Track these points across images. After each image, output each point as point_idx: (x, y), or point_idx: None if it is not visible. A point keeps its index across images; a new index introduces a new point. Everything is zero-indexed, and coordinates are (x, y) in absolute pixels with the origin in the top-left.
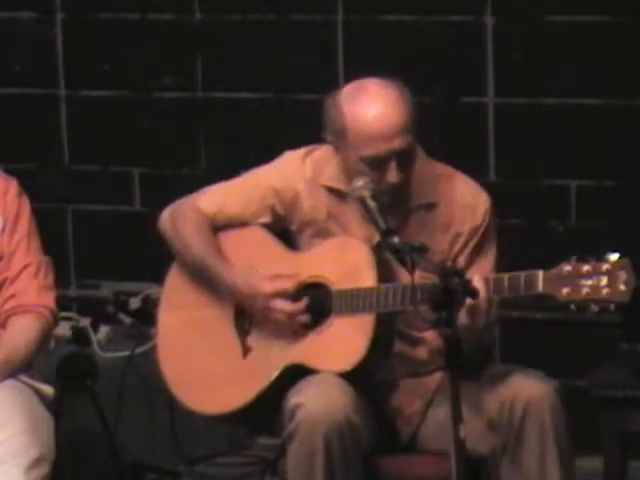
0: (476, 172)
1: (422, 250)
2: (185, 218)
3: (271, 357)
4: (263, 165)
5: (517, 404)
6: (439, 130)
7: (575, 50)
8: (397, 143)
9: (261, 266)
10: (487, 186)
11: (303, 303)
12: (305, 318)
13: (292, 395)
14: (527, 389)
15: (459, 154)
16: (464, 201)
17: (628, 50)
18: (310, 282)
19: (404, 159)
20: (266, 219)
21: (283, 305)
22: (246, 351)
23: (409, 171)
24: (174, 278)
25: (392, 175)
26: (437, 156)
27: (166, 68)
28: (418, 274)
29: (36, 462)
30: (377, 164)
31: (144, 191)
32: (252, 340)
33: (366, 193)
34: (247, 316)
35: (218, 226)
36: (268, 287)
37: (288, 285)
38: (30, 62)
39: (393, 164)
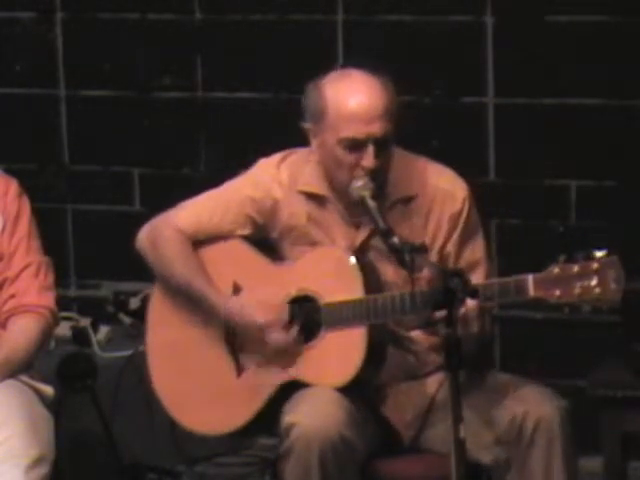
0: (476, 172)
1: (422, 250)
2: (165, 239)
3: (266, 375)
4: (238, 176)
5: (527, 422)
6: (439, 130)
7: (575, 50)
8: (376, 127)
9: (245, 281)
10: (487, 186)
11: (296, 330)
12: (299, 339)
13: (286, 412)
14: (538, 408)
15: (459, 154)
16: (441, 188)
17: (628, 50)
18: (297, 295)
19: (381, 146)
20: (246, 231)
21: (277, 337)
22: (240, 370)
23: (385, 160)
24: (158, 297)
25: (368, 160)
26: (437, 156)
27: (166, 68)
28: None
29: (36, 462)
30: (355, 147)
31: (144, 191)
32: (245, 359)
33: (366, 193)
34: (238, 335)
35: (199, 242)
36: (261, 319)
37: (281, 316)
38: (30, 62)
39: (370, 149)
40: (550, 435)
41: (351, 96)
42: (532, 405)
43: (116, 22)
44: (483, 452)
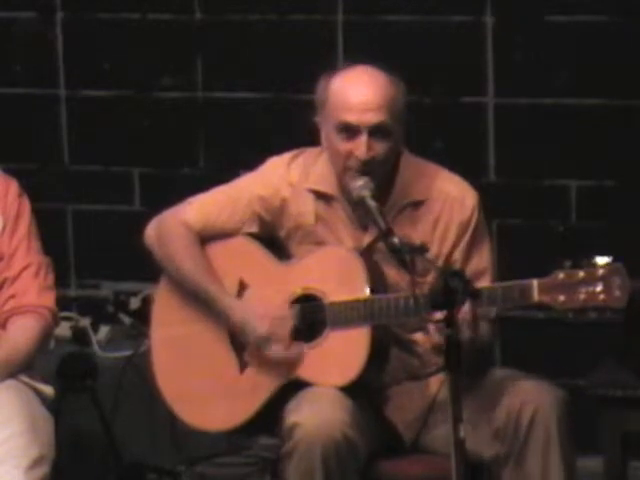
0: (476, 172)
1: (422, 250)
2: (172, 235)
3: (269, 372)
4: (248, 173)
5: (524, 413)
6: (439, 130)
7: (575, 50)
8: (370, 116)
9: (251, 278)
10: (487, 186)
11: (297, 348)
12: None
13: (289, 412)
14: (535, 399)
15: (459, 154)
16: (451, 196)
17: (628, 50)
18: (302, 294)
19: (376, 136)
20: (254, 228)
21: (276, 353)
22: (243, 366)
23: (381, 154)
24: (164, 293)
25: (360, 149)
26: (437, 156)
27: (166, 68)
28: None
29: (36, 462)
30: (348, 133)
31: (144, 191)
32: (249, 355)
33: (366, 193)
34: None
35: (206, 238)
36: (262, 330)
37: (282, 332)
38: (30, 62)
39: (363, 138)
40: (547, 426)
41: (351, 85)
42: (529, 396)
43: (116, 22)
44: (484, 447)
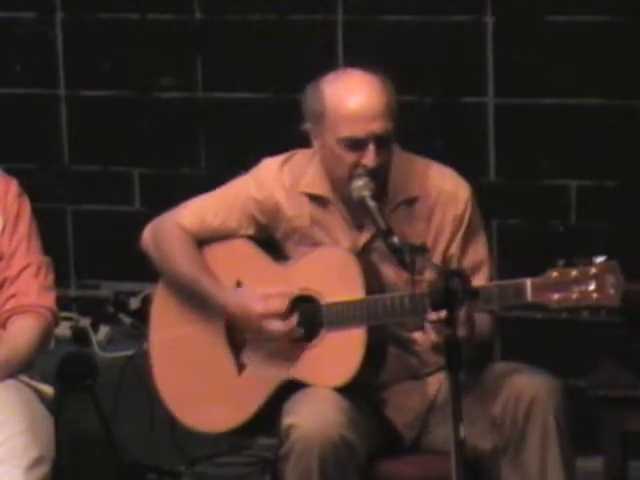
0: (476, 172)
1: (423, 250)
2: (168, 236)
3: (266, 373)
4: (242, 175)
5: (521, 403)
6: (439, 130)
7: (575, 50)
8: (376, 125)
9: (249, 280)
10: (487, 186)
11: (294, 320)
12: (298, 332)
13: (286, 413)
14: (531, 388)
15: (459, 154)
16: (444, 190)
17: (628, 50)
18: (299, 295)
19: (382, 144)
20: (250, 230)
21: (276, 325)
22: (240, 368)
23: (385, 159)
24: (162, 296)
25: (369, 158)
26: (437, 156)
27: (166, 68)
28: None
29: (36, 462)
30: (355, 146)
31: (144, 191)
32: (246, 356)
33: (366, 193)
34: (239, 332)
35: (202, 240)
36: (260, 307)
37: (280, 305)
38: (30, 62)
39: (371, 147)
40: (544, 415)
41: (350, 95)
42: (525, 387)
43: (116, 22)
44: (481, 439)
